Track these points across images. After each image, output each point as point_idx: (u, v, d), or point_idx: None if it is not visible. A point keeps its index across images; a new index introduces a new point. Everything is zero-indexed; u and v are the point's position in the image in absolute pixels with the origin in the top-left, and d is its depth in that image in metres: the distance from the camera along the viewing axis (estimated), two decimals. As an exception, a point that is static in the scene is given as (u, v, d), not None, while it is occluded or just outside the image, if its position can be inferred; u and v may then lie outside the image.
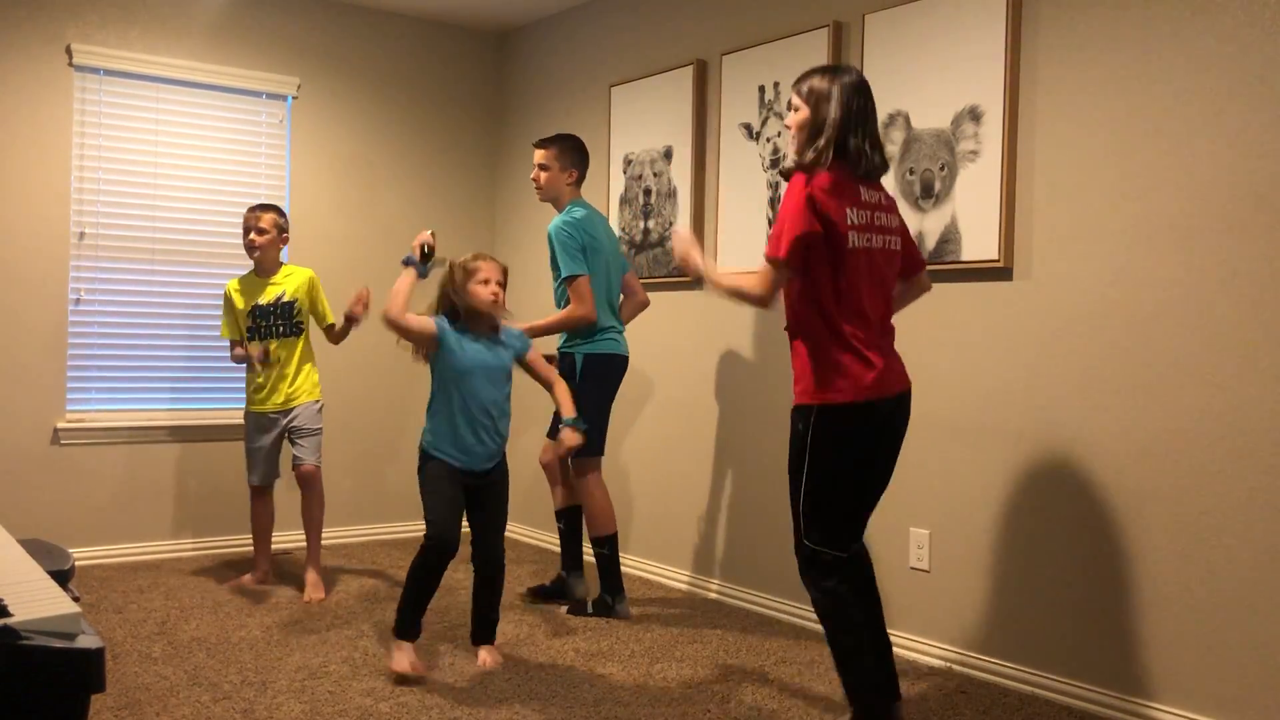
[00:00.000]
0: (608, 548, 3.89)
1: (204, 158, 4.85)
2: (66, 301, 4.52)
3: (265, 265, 4.16)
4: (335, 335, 4.21)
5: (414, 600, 3.18)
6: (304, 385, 4.17)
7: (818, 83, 2.66)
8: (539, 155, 4.00)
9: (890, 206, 2.70)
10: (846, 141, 2.60)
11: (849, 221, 2.56)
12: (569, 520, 4.04)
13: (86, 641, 1.46)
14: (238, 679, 3.13)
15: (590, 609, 3.91)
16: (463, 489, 3.24)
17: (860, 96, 2.64)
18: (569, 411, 3.34)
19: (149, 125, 4.73)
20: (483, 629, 3.36)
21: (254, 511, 4.26)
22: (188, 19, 4.78)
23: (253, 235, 4.10)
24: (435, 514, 3.17)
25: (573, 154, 3.98)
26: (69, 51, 4.50)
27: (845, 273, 2.57)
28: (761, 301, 2.65)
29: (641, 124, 4.63)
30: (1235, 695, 2.73)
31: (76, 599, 1.63)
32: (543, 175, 3.98)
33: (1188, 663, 2.82)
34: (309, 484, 4.14)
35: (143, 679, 3.11)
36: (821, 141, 2.61)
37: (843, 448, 2.61)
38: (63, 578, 1.81)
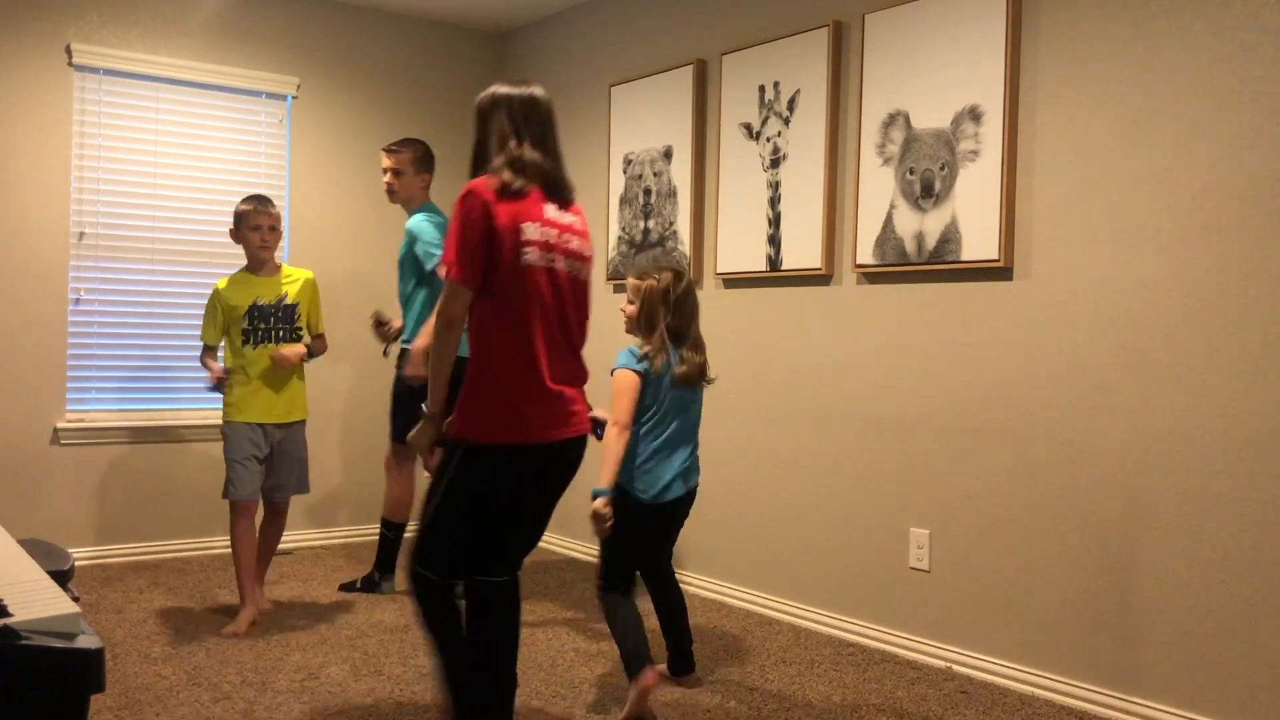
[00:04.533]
0: (394, 532, 4.20)
1: (204, 158, 4.85)
2: (66, 301, 4.52)
3: (270, 264, 3.83)
4: (312, 349, 3.86)
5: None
6: (300, 401, 3.84)
7: (498, 93, 2.51)
8: (389, 160, 4.12)
9: (583, 233, 2.56)
10: (523, 154, 2.44)
11: (525, 236, 2.39)
12: (393, 528, 4.22)
13: (86, 641, 1.46)
14: (238, 679, 3.13)
15: (358, 585, 4.22)
16: None
17: (537, 110, 2.50)
18: None
19: (149, 125, 4.72)
20: None
21: (237, 534, 3.66)
22: (188, 18, 4.78)
23: (267, 234, 3.75)
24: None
25: (426, 160, 4.15)
26: (69, 51, 4.50)
27: (512, 291, 2.40)
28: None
29: (641, 124, 4.63)
30: (1235, 695, 2.73)
31: (76, 599, 1.63)
32: (396, 180, 4.12)
33: (1188, 663, 2.82)
34: (278, 514, 3.83)
35: (143, 679, 3.11)
36: (495, 153, 2.45)
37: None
38: (63, 578, 1.81)
